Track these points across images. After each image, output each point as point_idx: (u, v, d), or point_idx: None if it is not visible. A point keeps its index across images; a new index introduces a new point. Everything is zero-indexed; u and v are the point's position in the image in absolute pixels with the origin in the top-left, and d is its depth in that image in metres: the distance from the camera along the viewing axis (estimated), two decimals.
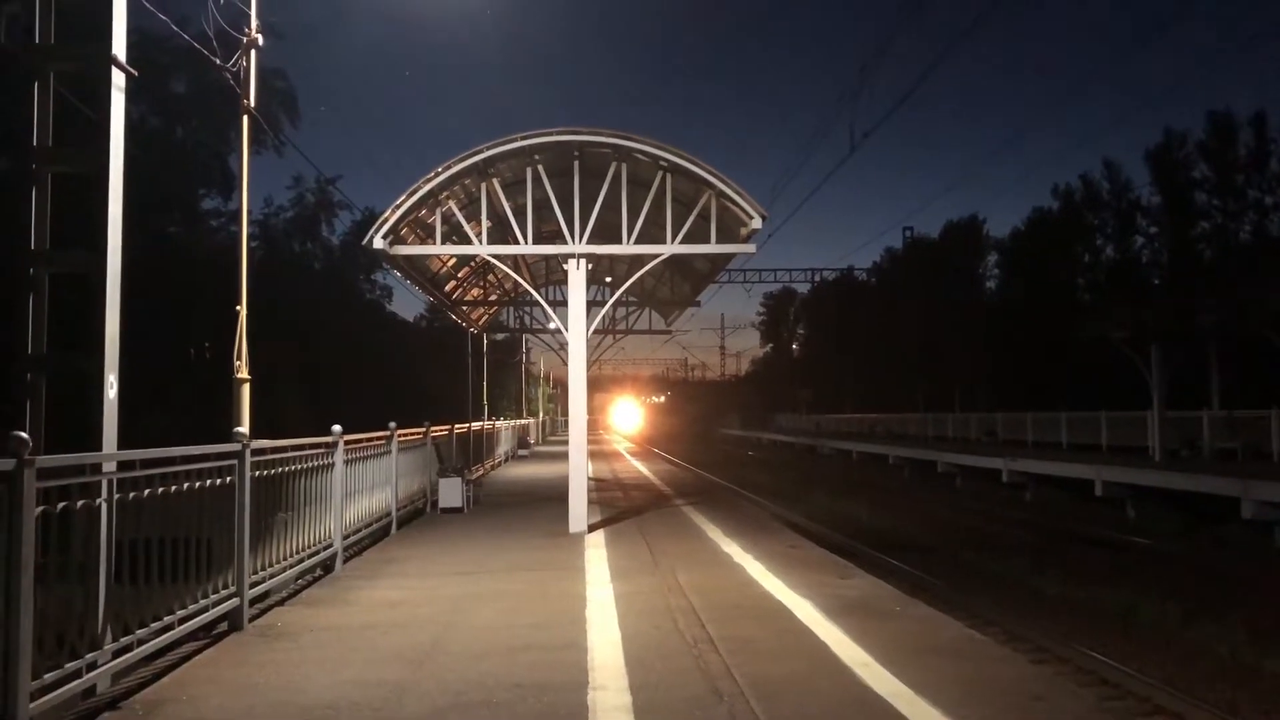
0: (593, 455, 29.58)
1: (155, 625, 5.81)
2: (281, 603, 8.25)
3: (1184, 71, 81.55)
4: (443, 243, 13.81)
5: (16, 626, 4.33)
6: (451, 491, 15.55)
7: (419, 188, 12.45)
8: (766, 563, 10.10)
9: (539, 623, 7.39)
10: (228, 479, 6.93)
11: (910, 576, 14.80)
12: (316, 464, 9.38)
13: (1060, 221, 53.07)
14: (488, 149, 12.38)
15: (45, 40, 6.52)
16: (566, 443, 13.86)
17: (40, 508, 4.57)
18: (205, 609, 6.52)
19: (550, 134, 12.46)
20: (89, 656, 5.09)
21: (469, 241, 14.25)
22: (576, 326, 13.00)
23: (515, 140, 12.39)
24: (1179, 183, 48.25)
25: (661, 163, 12.67)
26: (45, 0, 6.52)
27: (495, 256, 14.37)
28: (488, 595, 8.56)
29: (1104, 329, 27.51)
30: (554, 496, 16.26)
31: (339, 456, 10.07)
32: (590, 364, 15.21)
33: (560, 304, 17.61)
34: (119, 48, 6.43)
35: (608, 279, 21.51)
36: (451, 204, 13.45)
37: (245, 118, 10.70)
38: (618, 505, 16.44)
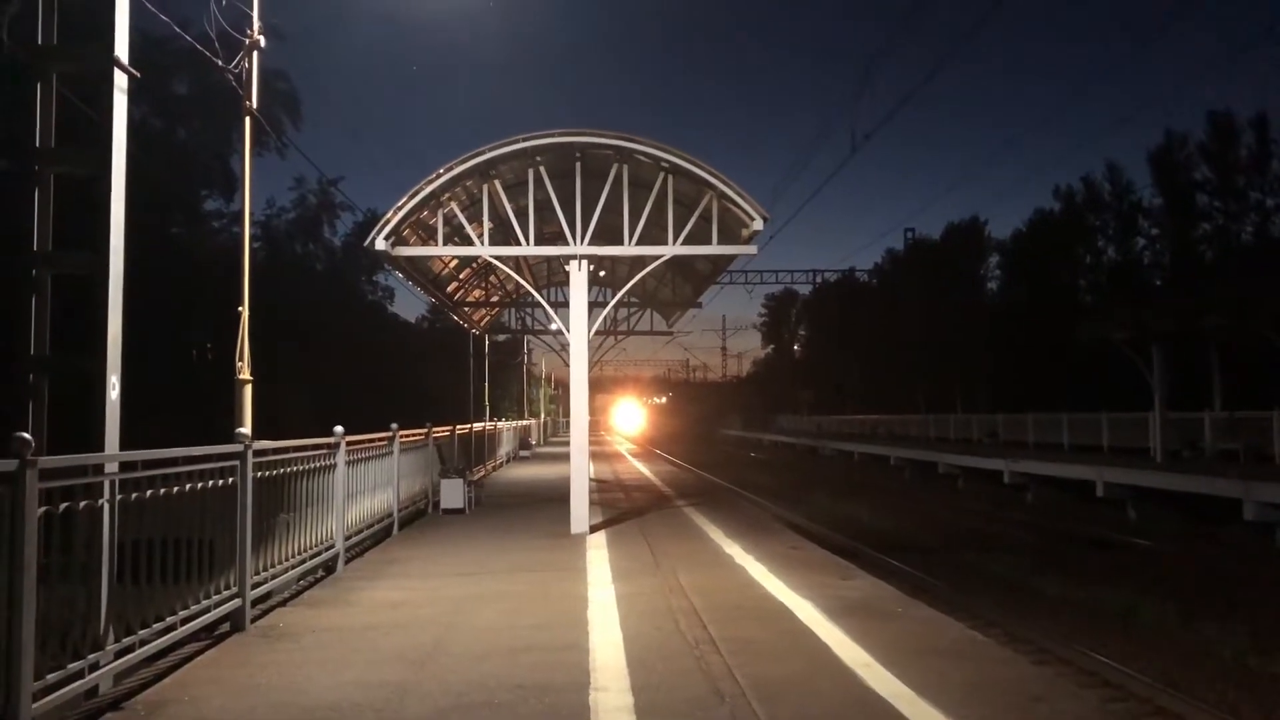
0: (594, 456, 29.59)
1: (157, 626, 5.82)
2: (283, 603, 8.26)
3: (1185, 73, 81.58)
4: (444, 244, 13.82)
5: (19, 627, 4.34)
6: (453, 492, 15.56)
7: (421, 189, 12.46)
8: (768, 564, 10.10)
9: (540, 624, 7.39)
10: (230, 480, 6.93)
11: (911, 578, 14.79)
12: (318, 465, 9.39)
13: (1062, 223, 53.03)
14: (489, 150, 12.39)
15: (47, 41, 6.52)
16: (568, 444, 13.87)
17: (43, 508, 4.58)
18: (207, 609, 6.53)
19: (552, 135, 12.48)
20: (91, 657, 5.10)
21: (471, 243, 14.28)
22: (578, 327, 13.00)
23: (517, 142, 12.40)
24: (1180, 184, 48.19)
25: (663, 164, 12.69)
26: (47, 1, 6.53)
27: (497, 258, 14.38)
28: (489, 596, 8.57)
29: (1105, 330, 27.51)
30: (555, 497, 16.27)
31: (341, 457, 10.08)
32: (592, 365, 15.22)
33: (562, 305, 17.61)
34: (121, 49, 6.43)
35: (602, 272, 21.49)
36: (453, 205, 13.46)
37: (247, 119, 10.71)
38: (619, 506, 16.44)
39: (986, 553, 17.98)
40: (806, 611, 7.72)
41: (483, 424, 27.91)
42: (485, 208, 13.40)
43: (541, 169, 12.89)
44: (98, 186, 6.32)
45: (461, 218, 13.59)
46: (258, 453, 7.46)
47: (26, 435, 4.52)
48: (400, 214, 12.54)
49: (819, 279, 59.20)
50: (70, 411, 6.49)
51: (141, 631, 5.62)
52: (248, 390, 10.12)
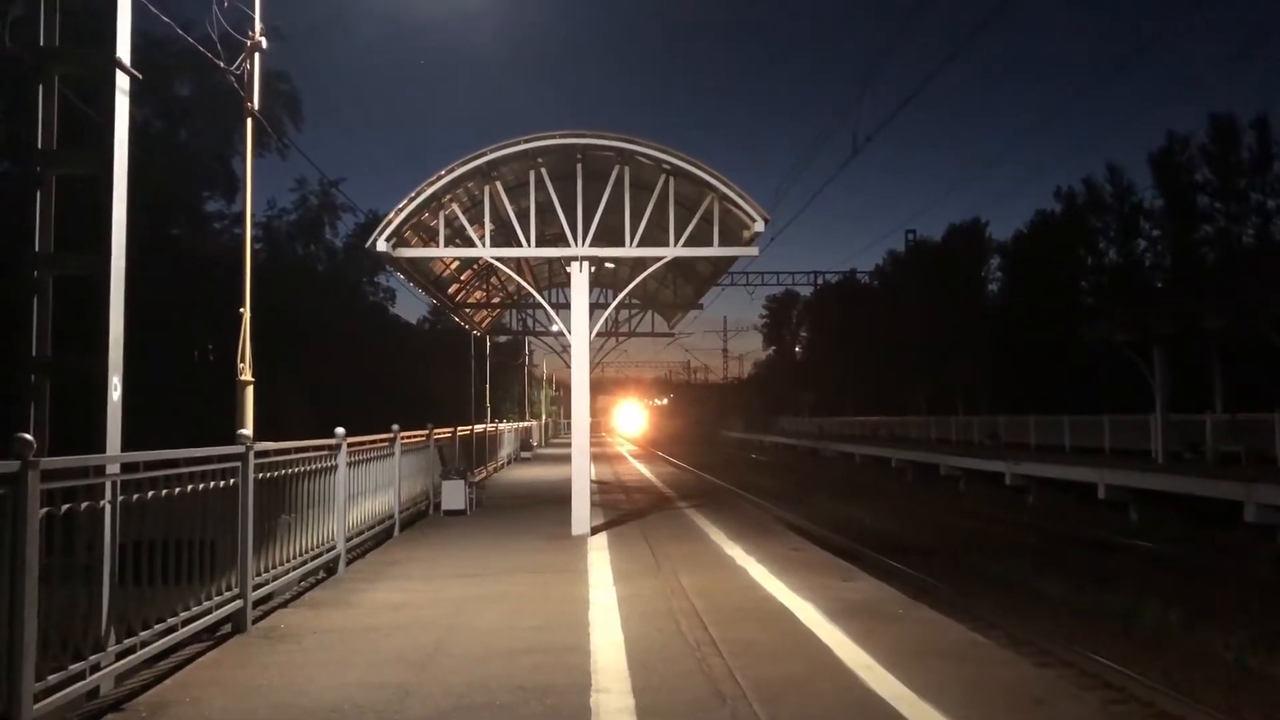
0: (595, 458, 29.59)
1: (159, 627, 5.82)
2: (285, 604, 8.27)
3: (1187, 75, 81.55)
4: (446, 245, 13.83)
5: (21, 628, 4.34)
6: (454, 494, 15.56)
7: (422, 190, 12.47)
8: (769, 565, 10.10)
9: (542, 625, 7.39)
10: (231, 481, 6.94)
11: (913, 579, 14.78)
12: (320, 466, 9.39)
13: (1063, 224, 53.04)
14: (491, 152, 12.40)
15: (49, 43, 6.53)
16: (569, 445, 13.86)
17: (44, 509, 4.58)
18: (208, 611, 6.53)
19: (553, 137, 12.49)
20: (93, 658, 5.10)
21: (472, 244, 14.30)
22: (579, 329, 13.01)
23: (518, 143, 12.42)
24: (1181, 186, 48.20)
25: (664, 166, 12.70)
26: (49, 3, 6.54)
27: (498, 259, 14.40)
28: (491, 597, 8.57)
29: (1107, 332, 27.51)
30: (556, 499, 16.27)
31: (342, 459, 10.08)
32: (593, 366, 15.22)
33: (563, 306, 17.61)
34: (123, 50, 6.43)
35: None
36: (455, 207, 13.47)
37: (249, 120, 10.71)
38: (620, 508, 16.44)
39: (988, 554, 17.96)
40: (808, 613, 7.72)
41: (484, 425, 27.92)
42: (487, 209, 13.41)
43: (543, 170, 12.90)
44: (99, 188, 6.32)
45: (463, 219, 13.60)
46: (259, 454, 7.47)
47: (28, 436, 4.52)
48: (401, 215, 12.55)
49: (820, 280, 59.24)
50: (72, 412, 6.50)
51: (143, 633, 5.62)
52: (249, 391, 10.13)
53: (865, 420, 57.11)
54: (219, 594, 6.72)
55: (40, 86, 6.49)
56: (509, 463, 31.34)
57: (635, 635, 6.95)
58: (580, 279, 12.95)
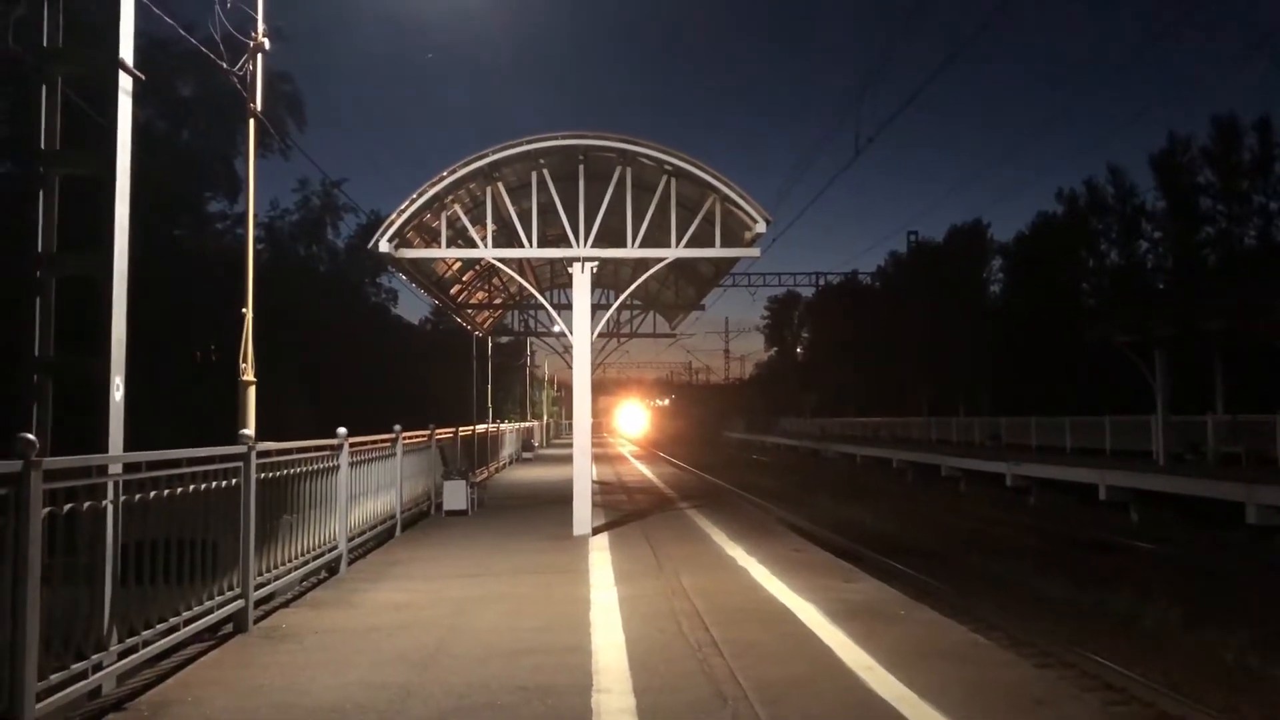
0: (597, 458, 29.59)
1: (160, 627, 5.83)
2: (286, 604, 8.27)
3: (1188, 76, 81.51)
4: (448, 246, 13.84)
5: (23, 627, 4.35)
6: (456, 494, 15.57)
7: (424, 191, 12.48)
8: (770, 566, 10.10)
9: (543, 625, 7.40)
10: (233, 481, 6.95)
11: (914, 580, 14.77)
12: (322, 466, 9.41)
13: (1065, 226, 53.08)
14: (493, 153, 12.42)
15: (52, 43, 6.54)
16: (571, 446, 13.86)
17: (47, 509, 4.59)
18: (210, 610, 6.54)
19: (555, 138, 12.50)
20: (95, 658, 5.11)
21: (474, 245, 14.31)
22: (581, 330, 13.01)
23: (520, 144, 12.43)
24: (1183, 188, 48.20)
25: (666, 167, 12.70)
26: (53, 3, 6.55)
27: (500, 260, 14.41)
28: (492, 598, 8.57)
29: (1108, 333, 27.50)
30: (558, 499, 16.27)
31: (344, 459, 10.09)
32: (594, 367, 15.23)
33: (565, 307, 17.62)
34: (126, 51, 6.44)
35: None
36: (457, 208, 13.48)
37: (252, 121, 10.73)
38: (622, 508, 16.45)
39: (989, 556, 17.96)
40: (809, 614, 7.72)
41: (485, 426, 27.92)
42: (489, 210, 13.42)
43: (545, 171, 12.91)
44: (102, 188, 6.33)
45: (465, 220, 13.61)
46: (261, 454, 7.48)
47: (31, 436, 4.53)
48: (404, 216, 12.57)
49: (822, 281, 59.22)
50: (74, 413, 6.51)
51: (145, 632, 5.63)
52: (251, 391, 10.14)
53: (866, 421, 57.10)
54: (221, 594, 6.73)
55: (43, 87, 6.50)
56: (510, 463, 31.35)
57: (637, 636, 6.96)
58: (582, 280, 12.96)
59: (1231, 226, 47.46)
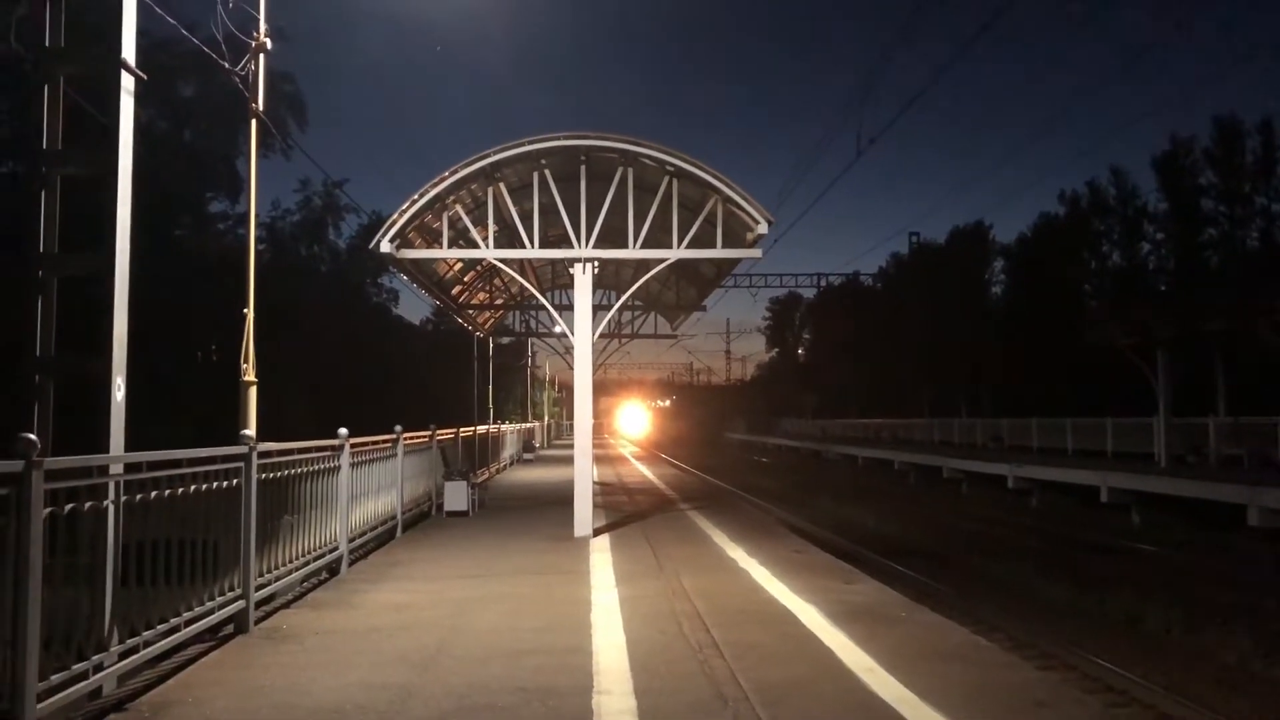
0: (598, 459, 29.59)
1: (161, 627, 5.82)
2: (287, 605, 8.27)
3: (1191, 78, 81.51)
4: (449, 247, 13.84)
5: (24, 628, 4.35)
6: (457, 495, 15.57)
7: (426, 192, 12.48)
8: (771, 568, 10.10)
9: (544, 626, 7.39)
10: (234, 481, 6.95)
11: (915, 582, 14.77)
12: (322, 467, 9.40)
13: (1067, 227, 53.05)
14: (494, 153, 12.41)
15: (54, 43, 6.54)
16: (571, 447, 13.86)
17: (48, 509, 4.58)
18: (211, 611, 6.54)
19: (557, 138, 12.49)
20: (95, 658, 5.11)
21: (475, 245, 14.31)
22: (582, 330, 13.01)
23: (522, 145, 12.42)
24: (1186, 189, 48.18)
25: (668, 167, 12.70)
26: (55, 3, 6.56)
27: (501, 260, 14.40)
28: (493, 599, 8.57)
29: (1110, 335, 27.51)
30: (559, 500, 16.27)
31: (345, 459, 10.09)
32: (595, 368, 15.23)
33: (566, 308, 17.62)
34: (128, 51, 6.44)
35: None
36: (458, 208, 13.48)
37: (253, 121, 10.73)
38: (622, 509, 16.44)
39: (991, 557, 17.96)
40: (810, 616, 7.71)
41: (486, 427, 27.92)
42: (490, 211, 13.41)
43: (546, 172, 12.91)
44: (104, 188, 6.34)
45: (466, 220, 13.61)
46: (262, 454, 7.48)
47: (32, 436, 4.53)
48: (405, 217, 12.56)
49: (823, 282, 59.23)
50: (76, 413, 6.51)
51: (146, 633, 5.63)
52: (252, 392, 10.15)
53: (868, 423, 57.11)
54: (222, 594, 6.73)
55: (45, 87, 6.50)
56: (511, 464, 31.34)
57: (637, 637, 6.95)
58: (583, 280, 12.95)
59: (1233, 228, 47.45)
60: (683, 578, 9.47)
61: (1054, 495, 26.44)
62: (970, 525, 23.75)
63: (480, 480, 19.50)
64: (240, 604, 7.04)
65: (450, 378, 46.48)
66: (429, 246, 14.26)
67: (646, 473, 28.30)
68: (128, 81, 6.42)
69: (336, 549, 9.81)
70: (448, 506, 15.50)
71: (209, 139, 38.56)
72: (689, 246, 13.14)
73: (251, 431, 8.03)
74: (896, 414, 53.54)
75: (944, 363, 52.02)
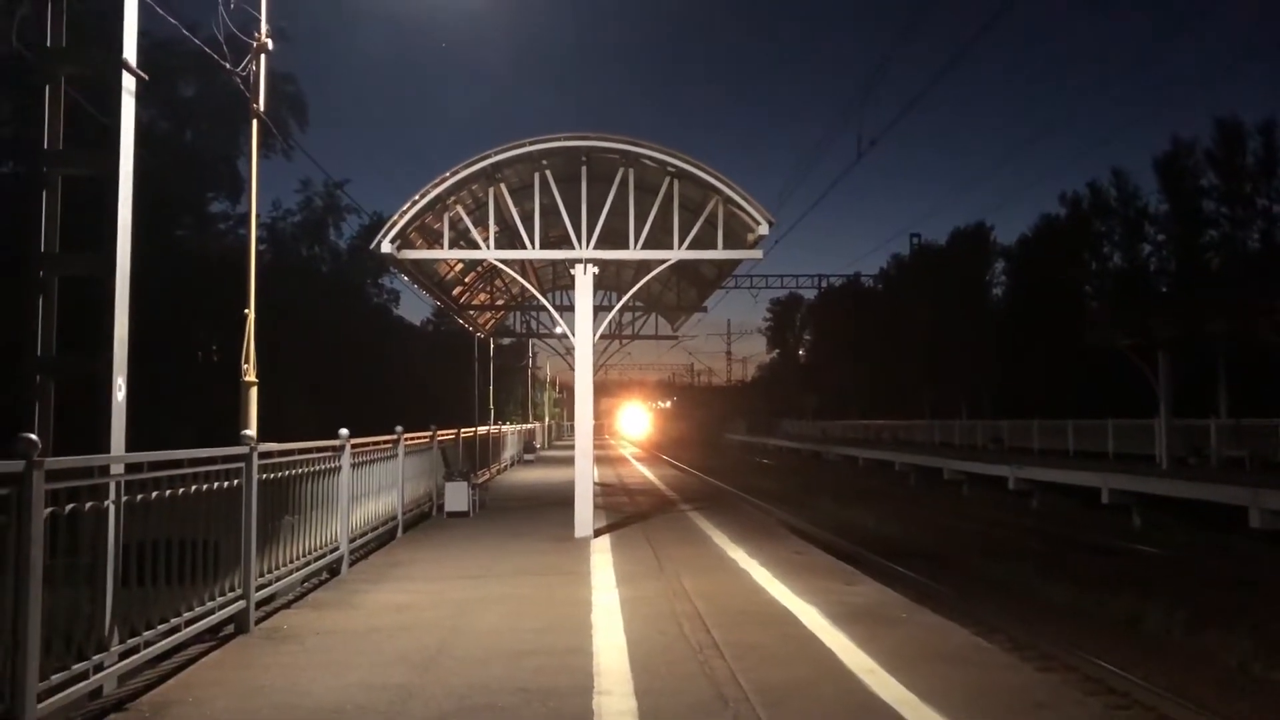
0: (598, 460, 29.59)
1: (162, 627, 5.82)
2: (287, 605, 8.27)
3: (1193, 79, 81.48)
4: (450, 247, 13.84)
5: (25, 627, 4.35)
6: (457, 495, 15.57)
7: (427, 192, 12.48)
8: (772, 569, 10.09)
9: (544, 627, 7.39)
10: (235, 482, 6.95)
11: (916, 583, 14.76)
12: (323, 467, 9.40)
13: (1068, 229, 53.00)
14: (496, 154, 12.41)
15: (56, 43, 6.54)
16: (572, 448, 13.86)
17: (49, 509, 4.58)
18: (211, 611, 6.54)
19: (558, 139, 12.49)
20: (96, 658, 5.11)
21: (476, 246, 14.30)
22: (583, 331, 13.01)
23: (523, 145, 12.42)
24: (1187, 191, 48.14)
25: (669, 168, 12.70)
26: (56, 3, 6.56)
27: (502, 261, 14.39)
28: (493, 599, 8.57)
29: (1111, 336, 27.51)
30: (559, 501, 16.27)
31: (346, 460, 10.09)
32: (596, 369, 15.23)
33: (567, 309, 17.62)
34: (129, 51, 6.45)
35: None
36: (459, 209, 13.48)
37: (254, 121, 10.73)
38: (623, 510, 16.44)
39: (991, 559, 17.95)
40: (811, 617, 7.71)
41: (487, 427, 27.92)
42: (491, 211, 13.42)
43: (547, 173, 12.91)
44: (105, 188, 6.34)
45: (467, 221, 13.62)
46: (263, 455, 7.48)
47: (33, 436, 4.53)
48: (406, 217, 12.56)
49: (824, 283, 59.29)
50: (77, 413, 6.51)
51: (146, 633, 5.63)
52: (253, 392, 10.14)
53: (869, 424, 57.10)
54: (222, 594, 6.73)
55: (46, 87, 6.50)
56: (512, 465, 31.34)
57: (638, 638, 6.95)
58: (584, 281, 12.95)
59: (1235, 230, 47.40)
60: (683, 579, 9.47)
61: (1055, 497, 26.43)
62: (971, 526, 23.74)
63: (481, 481, 19.51)
64: (241, 604, 7.04)
65: (451, 378, 46.50)
66: (430, 247, 14.26)
67: (647, 474, 28.29)
68: (129, 82, 6.42)
69: (337, 549, 9.81)
70: (448, 507, 15.50)
71: (210, 139, 38.55)
72: (690, 247, 13.13)
73: (252, 432, 8.03)
74: (897, 415, 53.52)
75: (945, 364, 51.99)
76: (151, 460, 5.84)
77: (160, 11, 7.97)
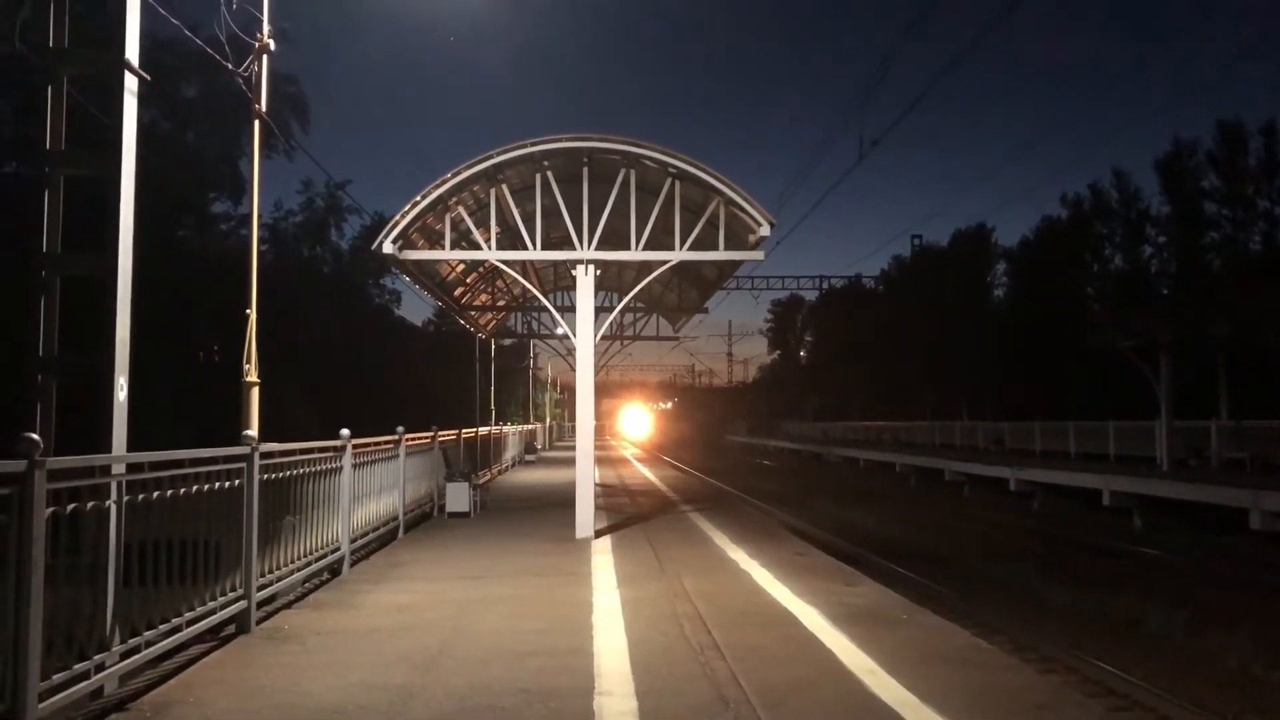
0: (600, 461, 29.58)
1: (163, 627, 5.83)
2: (288, 605, 8.27)
3: (1194, 80, 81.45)
4: (452, 248, 13.84)
5: (26, 627, 4.35)
6: (458, 496, 15.57)
7: (428, 193, 12.49)
8: (773, 570, 10.09)
9: (545, 628, 7.39)
10: (236, 482, 6.95)
11: (917, 585, 14.76)
12: (325, 468, 9.41)
13: (1069, 230, 52.94)
14: (497, 155, 12.41)
15: (58, 44, 6.55)
16: (573, 448, 13.86)
17: (50, 509, 4.59)
18: (213, 611, 6.54)
19: (559, 140, 12.50)
20: (97, 658, 5.11)
21: (478, 247, 14.31)
22: (584, 332, 13.01)
23: (525, 146, 12.43)
24: (1188, 192, 48.06)
25: (670, 169, 12.70)
26: (58, 4, 6.57)
27: (503, 262, 14.39)
28: (494, 600, 8.57)
29: (1112, 338, 27.48)
30: (560, 502, 16.27)
31: (347, 460, 10.09)
32: (597, 370, 15.23)
33: (568, 310, 17.63)
34: (131, 52, 6.45)
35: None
36: (461, 210, 13.49)
37: (256, 122, 10.74)
38: (624, 511, 16.44)
39: (992, 560, 17.95)
40: (811, 618, 7.71)
41: (488, 428, 27.92)
42: (492, 212, 13.42)
43: (549, 174, 12.91)
44: (107, 189, 6.35)
45: (469, 222, 13.62)
46: (264, 455, 7.49)
47: (35, 436, 4.54)
48: (408, 218, 12.57)
49: (825, 285, 59.34)
50: (78, 413, 6.52)
51: (147, 633, 5.63)
52: (254, 393, 10.14)
53: (870, 425, 57.07)
54: (223, 594, 6.74)
55: (49, 87, 6.51)
56: (513, 465, 31.35)
57: (639, 638, 6.95)
58: (585, 282, 12.96)
59: (1236, 231, 47.31)
60: (684, 579, 9.47)
61: (1056, 498, 26.42)
62: (972, 528, 23.73)
63: (482, 481, 19.51)
64: (242, 604, 7.04)
65: (452, 379, 46.48)
66: (431, 248, 14.27)
67: (648, 474, 28.29)
68: (131, 82, 6.43)
69: (338, 549, 9.81)
70: (450, 508, 15.51)
71: (212, 140, 38.53)
72: (691, 248, 13.13)
73: (254, 432, 8.03)
74: (898, 416, 53.50)
75: (946, 365, 51.98)
76: (153, 460, 5.85)
77: (162, 12, 7.99)
